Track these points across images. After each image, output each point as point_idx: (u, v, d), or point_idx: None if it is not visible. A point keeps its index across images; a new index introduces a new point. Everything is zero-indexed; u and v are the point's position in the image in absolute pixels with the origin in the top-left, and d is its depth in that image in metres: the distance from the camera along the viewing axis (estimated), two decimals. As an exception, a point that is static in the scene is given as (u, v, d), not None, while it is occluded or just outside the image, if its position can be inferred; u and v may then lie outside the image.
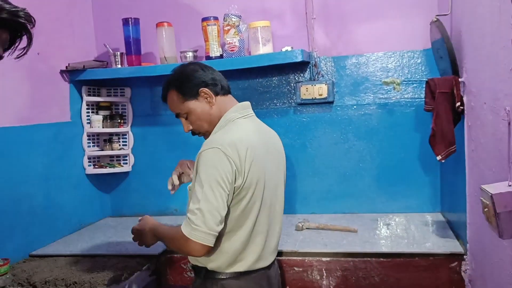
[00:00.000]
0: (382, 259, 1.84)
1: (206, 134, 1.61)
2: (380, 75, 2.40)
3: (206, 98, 1.54)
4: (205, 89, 1.54)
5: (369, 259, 1.85)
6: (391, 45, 2.38)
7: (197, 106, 1.55)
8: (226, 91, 1.59)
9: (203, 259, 1.52)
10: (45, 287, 1.77)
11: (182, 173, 1.82)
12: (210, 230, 1.38)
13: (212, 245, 1.41)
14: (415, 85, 2.35)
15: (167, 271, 2.05)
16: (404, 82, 2.33)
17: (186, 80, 1.56)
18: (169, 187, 1.80)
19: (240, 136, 1.47)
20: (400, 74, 2.36)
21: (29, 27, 0.91)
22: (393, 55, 2.38)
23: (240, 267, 1.52)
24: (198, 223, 1.38)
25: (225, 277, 1.53)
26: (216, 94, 1.56)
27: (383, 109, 2.40)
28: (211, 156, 1.41)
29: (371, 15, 2.40)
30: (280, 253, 1.93)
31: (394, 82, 2.19)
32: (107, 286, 1.74)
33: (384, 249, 1.89)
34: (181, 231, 1.41)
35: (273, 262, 1.64)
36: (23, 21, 0.86)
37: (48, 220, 2.29)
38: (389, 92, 2.39)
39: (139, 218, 1.74)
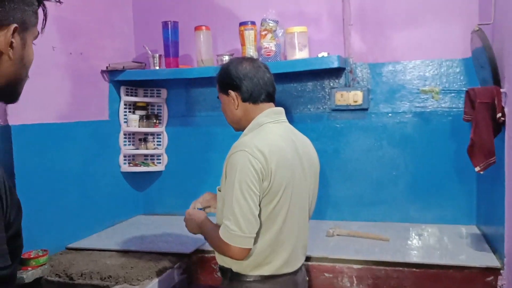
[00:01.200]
0: (414, 269, 1.82)
1: (234, 127, 1.68)
2: (417, 83, 2.37)
3: (232, 99, 1.59)
4: (233, 93, 1.59)
5: (401, 268, 1.83)
6: (429, 53, 2.35)
7: (226, 100, 1.63)
8: (258, 100, 1.59)
9: (229, 260, 1.54)
10: (81, 279, 1.83)
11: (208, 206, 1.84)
12: (246, 233, 1.41)
13: (251, 247, 1.44)
14: (453, 94, 2.32)
15: (197, 270, 2.07)
16: (442, 91, 2.29)
17: (224, 75, 1.62)
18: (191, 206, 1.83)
19: (268, 140, 1.49)
20: (438, 83, 2.33)
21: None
22: (431, 64, 2.35)
23: (265, 270, 1.53)
24: (233, 228, 1.41)
25: (250, 279, 1.54)
26: (244, 100, 1.59)
27: (419, 117, 2.37)
28: (239, 159, 1.45)
29: (409, 22, 2.37)
30: (310, 258, 1.93)
31: (433, 91, 2.17)
32: (140, 282, 1.78)
33: (417, 259, 1.86)
34: (220, 236, 1.45)
35: (300, 268, 1.64)
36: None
37: (84, 214, 2.36)
38: (426, 101, 2.36)
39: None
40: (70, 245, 2.23)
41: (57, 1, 0.90)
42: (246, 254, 1.45)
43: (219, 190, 1.60)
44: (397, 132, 2.42)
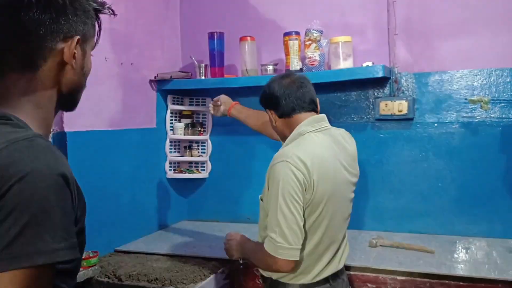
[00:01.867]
0: (461, 283, 1.77)
1: (281, 140, 1.74)
2: (464, 93, 2.33)
3: (271, 116, 1.68)
4: (269, 111, 1.69)
5: (447, 281, 1.79)
6: (478, 62, 2.30)
7: (269, 117, 1.72)
8: (291, 114, 1.62)
9: None
10: (129, 281, 1.90)
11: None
12: (292, 245, 1.43)
13: (298, 259, 1.46)
14: (503, 104, 2.25)
15: (240, 276, 2.10)
16: (491, 101, 2.24)
17: (261, 95, 1.73)
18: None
19: (310, 151, 1.51)
20: (487, 93, 2.27)
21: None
22: (479, 73, 2.30)
23: (305, 279, 1.55)
24: (279, 240, 1.43)
25: None
26: (279, 116, 1.65)
27: (466, 128, 2.32)
28: (281, 170, 1.47)
29: (457, 31, 2.34)
30: (352, 268, 1.93)
31: (482, 101, 2.12)
32: (185, 285, 1.83)
33: (464, 273, 1.82)
34: (265, 249, 1.47)
35: (340, 278, 1.64)
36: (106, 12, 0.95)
37: (132, 218, 2.45)
38: (474, 111, 2.30)
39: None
40: (119, 248, 2.32)
41: (111, 14, 0.96)
42: (293, 266, 1.47)
43: (261, 199, 1.63)
44: (443, 143, 2.38)
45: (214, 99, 2.31)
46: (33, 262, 0.65)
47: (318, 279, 1.57)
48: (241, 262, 1.82)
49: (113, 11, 0.96)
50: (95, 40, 0.94)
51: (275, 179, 1.47)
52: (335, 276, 1.62)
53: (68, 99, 0.89)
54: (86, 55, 0.90)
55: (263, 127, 2.10)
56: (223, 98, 2.28)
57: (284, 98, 1.62)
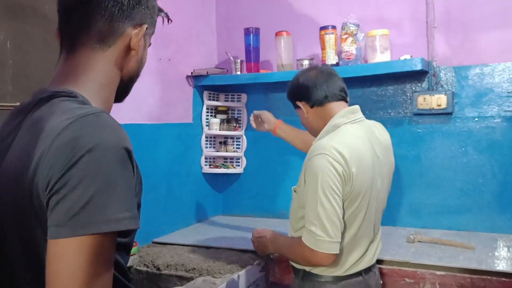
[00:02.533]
0: (504, 279, 1.72)
1: (314, 136, 1.69)
2: (506, 86, 2.26)
3: (302, 108, 1.66)
4: (299, 103, 1.67)
5: (488, 277, 1.74)
6: (521, 55, 2.24)
7: (299, 113, 1.71)
8: (324, 102, 1.62)
9: None
10: (167, 270, 1.94)
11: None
12: (333, 238, 1.43)
13: (338, 252, 1.45)
14: (547, 97, 2.18)
15: (275, 268, 2.11)
16: (536, 93, 2.17)
17: (289, 91, 1.75)
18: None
19: (347, 143, 1.49)
20: (531, 85, 2.21)
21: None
22: (522, 65, 2.23)
23: (338, 271, 1.55)
24: (320, 234, 1.42)
25: (322, 280, 1.56)
26: (311, 106, 1.63)
27: (509, 122, 2.26)
28: (319, 162, 1.45)
29: (498, 23, 2.27)
30: (390, 263, 1.91)
31: (526, 92, 2.05)
32: (222, 275, 1.85)
33: (507, 269, 1.77)
34: (304, 243, 1.46)
35: (372, 271, 1.64)
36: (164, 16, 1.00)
37: (168, 211, 2.50)
38: (516, 105, 2.24)
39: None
40: (156, 239, 2.37)
41: (167, 19, 1.02)
42: (333, 259, 1.46)
43: (295, 191, 1.64)
44: (484, 137, 2.32)
45: (255, 113, 2.19)
46: (100, 229, 0.68)
47: (351, 272, 1.56)
48: (271, 257, 1.84)
49: (168, 17, 1.02)
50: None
51: (314, 173, 1.46)
52: (368, 269, 1.62)
53: (124, 87, 0.93)
54: (146, 47, 0.95)
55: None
56: (265, 116, 2.15)
57: (315, 86, 1.62)
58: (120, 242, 0.77)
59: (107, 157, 0.70)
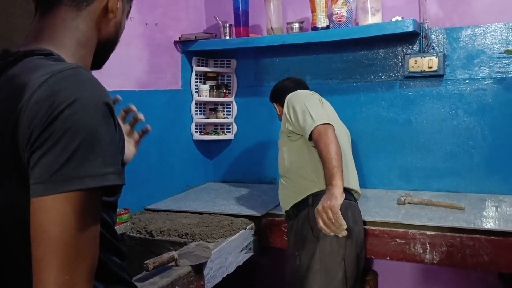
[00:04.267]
0: (493, 237, 1.75)
1: None
2: (498, 47, 2.25)
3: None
4: (274, 104, 2.22)
5: (478, 236, 1.78)
6: (514, 15, 2.21)
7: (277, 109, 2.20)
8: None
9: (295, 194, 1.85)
10: (160, 236, 1.95)
11: None
12: (325, 117, 1.74)
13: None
14: (538, 58, 2.17)
15: (267, 232, 2.13)
16: (528, 53, 2.16)
17: (270, 94, 2.23)
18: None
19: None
20: (523, 46, 2.19)
21: None
22: (515, 26, 2.21)
23: (316, 188, 1.80)
24: (317, 119, 1.72)
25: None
26: (282, 105, 2.00)
27: (499, 84, 2.25)
28: (298, 93, 1.94)
29: (491, -16, 2.24)
30: (381, 224, 1.93)
31: (519, 51, 2.04)
32: (215, 239, 1.86)
33: (496, 227, 1.80)
34: (314, 129, 1.71)
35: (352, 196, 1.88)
36: None
37: (160, 178, 2.49)
38: (507, 66, 2.23)
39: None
40: (148, 206, 2.37)
41: None
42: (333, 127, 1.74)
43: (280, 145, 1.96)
44: (475, 100, 2.32)
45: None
46: (85, 184, 0.66)
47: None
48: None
49: None
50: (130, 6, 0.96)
51: (295, 101, 1.83)
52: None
53: (102, 52, 0.91)
54: (124, 13, 0.92)
55: None
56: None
57: (287, 91, 2.01)
58: (105, 201, 0.75)
59: (88, 111, 0.68)
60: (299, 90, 1.95)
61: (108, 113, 0.71)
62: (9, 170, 0.71)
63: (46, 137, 0.66)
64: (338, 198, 1.58)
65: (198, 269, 1.63)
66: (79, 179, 0.66)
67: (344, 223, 1.56)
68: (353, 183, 1.90)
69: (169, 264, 1.56)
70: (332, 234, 1.59)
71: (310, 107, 1.77)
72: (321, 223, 1.59)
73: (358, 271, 1.80)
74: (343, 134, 1.99)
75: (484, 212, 2.01)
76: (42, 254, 0.65)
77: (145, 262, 1.48)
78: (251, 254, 2.07)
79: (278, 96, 2.12)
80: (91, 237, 0.69)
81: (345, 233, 1.57)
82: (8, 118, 0.70)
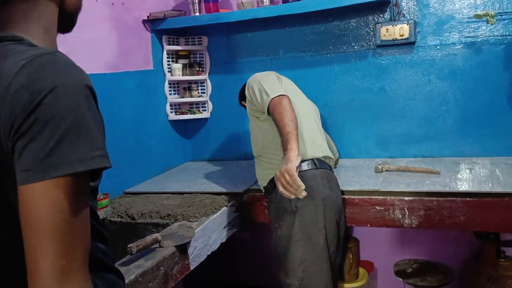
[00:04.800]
0: (468, 199, 1.81)
1: None
2: (467, 12, 2.27)
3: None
4: (244, 102, 2.16)
5: (454, 198, 1.83)
6: (481, -22, 2.23)
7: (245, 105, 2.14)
8: None
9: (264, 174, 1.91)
10: (142, 218, 1.93)
11: None
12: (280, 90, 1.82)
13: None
14: (506, 21, 2.20)
15: (249, 208, 2.15)
16: (497, 16, 2.18)
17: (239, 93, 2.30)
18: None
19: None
20: (491, 9, 2.21)
21: None
22: (483, -11, 2.23)
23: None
24: (270, 93, 1.79)
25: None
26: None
27: (469, 48, 2.29)
28: (255, 75, 1.98)
29: None
30: (360, 193, 1.97)
31: (488, 15, 2.06)
32: (197, 218, 1.87)
33: (470, 189, 1.85)
34: (270, 103, 1.77)
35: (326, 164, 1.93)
36: None
37: (138, 161, 2.46)
38: (476, 30, 2.26)
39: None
40: (128, 190, 2.34)
41: None
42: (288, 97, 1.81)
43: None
44: (446, 65, 2.35)
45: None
46: (75, 169, 0.65)
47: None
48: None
49: None
50: None
51: (253, 82, 1.91)
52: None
53: (68, 19, 0.88)
54: None
55: None
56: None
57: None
58: None
59: (71, 96, 0.67)
60: (256, 73, 1.99)
61: (90, 95, 0.70)
62: None
63: (30, 125, 0.64)
64: (293, 161, 1.61)
65: (182, 249, 1.63)
66: (68, 164, 0.65)
67: (302, 184, 1.59)
68: (324, 151, 1.95)
69: (152, 246, 1.56)
70: (292, 196, 1.62)
71: (265, 85, 1.85)
72: (280, 188, 1.62)
73: (338, 237, 1.83)
74: (306, 107, 2.04)
75: (458, 175, 2.07)
76: (36, 242, 0.65)
77: (129, 245, 1.47)
78: (234, 230, 2.09)
79: (242, 93, 2.11)
80: (84, 221, 0.69)
81: (304, 193, 1.61)
82: None
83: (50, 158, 0.64)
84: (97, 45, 2.21)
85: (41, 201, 0.64)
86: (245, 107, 2.11)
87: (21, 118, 0.65)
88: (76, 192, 0.67)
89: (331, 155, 1.99)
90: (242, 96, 2.18)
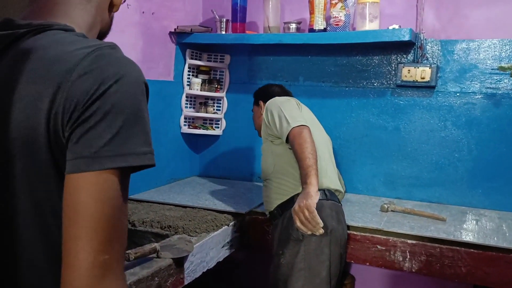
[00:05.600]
0: (472, 250, 1.78)
1: None
2: (491, 63, 2.28)
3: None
4: (261, 102, 2.17)
5: (457, 248, 1.80)
6: (508, 32, 2.24)
7: (255, 110, 2.26)
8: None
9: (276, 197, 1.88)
10: (142, 226, 1.93)
11: None
12: (299, 119, 1.80)
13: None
14: (529, 77, 2.21)
15: (250, 230, 2.13)
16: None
17: (257, 91, 2.28)
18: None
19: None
20: (514, 64, 2.22)
21: None
22: (509, 43, 2.24)
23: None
24: (292, 122, 1.79)
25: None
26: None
27: (489, 99, 2.29)
28: (276, 100, 1.99)
29: (488, 0, 2.27)
30: (363, 230, 1.94)
31: None
32: (197, 234, 1.85)
33: (475, 240, 1.82)
34: (290, 132, 1.76)
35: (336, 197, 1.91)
36: None
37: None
38: (498, 82, 2.26)
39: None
40: (132, 196, 2.34)
41: None
42: (308, 128, 1.80)
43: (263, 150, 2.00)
44: (464, 113, 2.35)
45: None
46: (129, 162, 0.65)
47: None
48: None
49: None
50: None
51: (273, 106, 1.89)
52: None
53: (110, 21, 0.91)
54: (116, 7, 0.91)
55: None
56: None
57: (271, 94, 2.12)
58: None
59: (132, 89, 0.68)
60: (277, 97, 2.00)
61: (145, 92, 0.71)
62: (40, 145, 0.66)
63: (92, 113, 0.64)
64: (313, 196, 1.61)
65: (179, 262, 1.62)
66: (123, 156, 0.65)
67: (321, 221, 1.59)
68: (335, 183, 1.94)
69: (150, 256, 1.55)
70: (309, 232, 1.61)
71: (286, 111, 1.84)
72: (298, 223, 1.61)
73: (340, 271, 1.81)
74: (322, 138, 2.03)
75: (464, 225, 2.04)
76: (79, 232, 0.62)
77: (127, 252, 1.47)
78: (232, 250, 2.07)
79: (261, 95, 2.18)
80: (127, 215, 0.68)
81: (322, 231, 1.60)
82: (40, 92, 0.66)
83: (107, 148, 0.64)
84: (124, 49, 2.23)
85: (92, 190, 0.63)
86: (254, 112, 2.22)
87: (82, 106, 0.64)
88: (125, 185, 0.67)
89: (341, 189, 1.97)
90: (257, 94, 2.22)
